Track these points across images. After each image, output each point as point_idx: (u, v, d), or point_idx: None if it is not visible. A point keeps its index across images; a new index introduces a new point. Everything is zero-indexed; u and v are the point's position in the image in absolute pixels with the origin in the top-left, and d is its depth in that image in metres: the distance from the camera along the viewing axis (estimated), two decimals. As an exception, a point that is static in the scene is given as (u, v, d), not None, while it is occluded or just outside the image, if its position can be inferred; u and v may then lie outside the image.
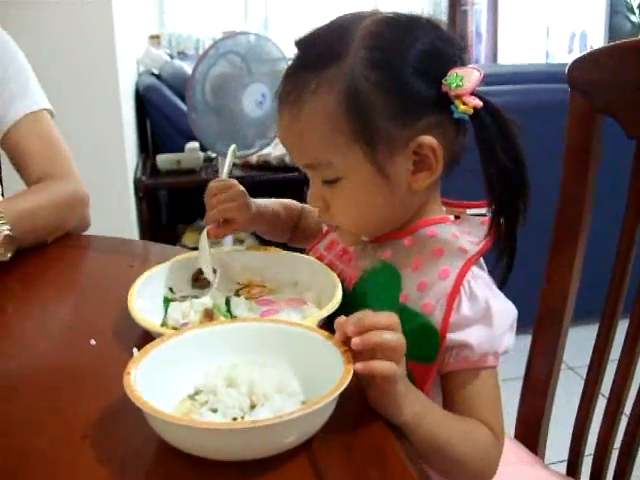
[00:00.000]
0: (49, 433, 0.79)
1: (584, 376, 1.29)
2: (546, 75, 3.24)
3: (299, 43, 0.99)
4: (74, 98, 3.05)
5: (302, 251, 1.21)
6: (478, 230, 1.00)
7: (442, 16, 7.56)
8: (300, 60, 0.98)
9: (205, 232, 1.12)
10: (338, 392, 0.70)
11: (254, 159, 3.90)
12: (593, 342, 1.26)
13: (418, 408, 0.83)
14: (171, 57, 5.76)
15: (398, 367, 0.78)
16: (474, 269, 0.96)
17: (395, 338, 0.78)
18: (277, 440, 0.69)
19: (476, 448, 0.92)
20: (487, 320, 0.93)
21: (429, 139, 0.93)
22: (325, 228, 1.19)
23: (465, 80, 0.91)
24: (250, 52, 3.18)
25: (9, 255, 1.29)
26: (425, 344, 0.93)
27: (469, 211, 1.05)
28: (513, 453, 1.34)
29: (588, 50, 1.21)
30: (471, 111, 0.91)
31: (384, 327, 0.77)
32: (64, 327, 1.11)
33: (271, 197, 1.28)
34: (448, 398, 0.96)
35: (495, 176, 0.92)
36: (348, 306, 0.94)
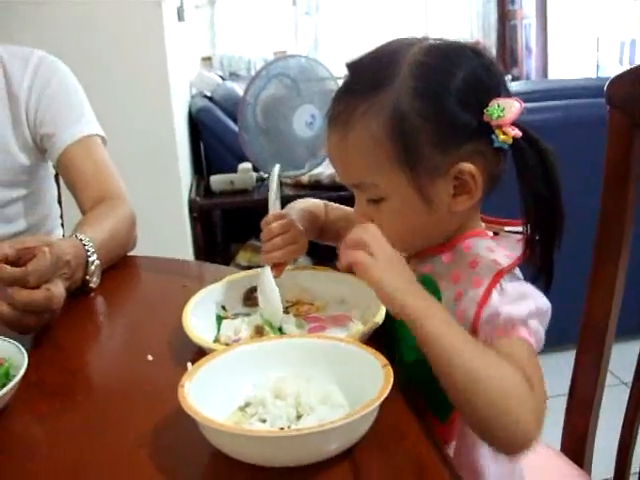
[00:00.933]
0: (107, 444, 0.85)
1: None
2: (595, 89, 3.24)
3: (350, 66, 1.04)
4: (129, 121, 3.13)
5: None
6: (514, 247, 1.03)
7: (491, 31, 7.56)
8: (350, 83, 1.03)
9: (269, 270, 1.14)
10: (378, 403, 0.74)
11: (305, 179, 3.94)
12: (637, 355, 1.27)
13: (423, 304, 0.88)
14: (223, 79, 5.85)
15: (371, 257, 0.89)
16: (506, 277, 0.98)
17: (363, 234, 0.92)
18: (321, 447, 0.73)
19: (502, 379, 0.86)
20: (516, 299, 0.95)
21: (469, 166, 0.97)
22: None
23: (506, 111, 0.95)
24: (300, 74, 3.22)
25: (97, 285, 1.36)
26: None
27: (506, 228, 1.08)
28: (559, 467, 1.35)
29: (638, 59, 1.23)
30: (510, 141, 0.95)
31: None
32: (122, 344, 1.17)
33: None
34: None
35: (531, 203, 0.96)
36: (391, 319, 0.98)
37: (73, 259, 1.25)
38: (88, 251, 1.33)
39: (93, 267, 1.33)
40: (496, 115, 0.95)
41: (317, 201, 1.34)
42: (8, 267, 1.12)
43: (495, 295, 0.96)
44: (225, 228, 4.63)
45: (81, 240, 1.33)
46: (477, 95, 0.97)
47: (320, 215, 1.31)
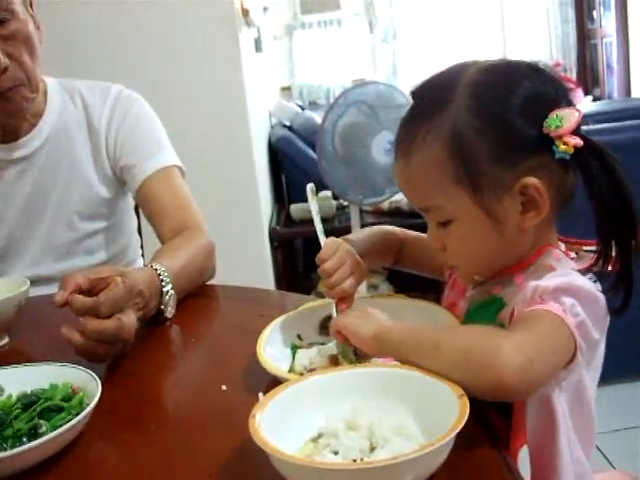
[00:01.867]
0: (178, 473, 0.85)
1: None
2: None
3: (413, 93, 1.06)
4: (209, 153, 3.18)
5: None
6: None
7: (571, 51, 7.46)
8: (413, 109, 1.04)
9: (334, 308, 1.13)
10: (452, 435, 0.72)
11: (386, 205, 3.93)
12: None
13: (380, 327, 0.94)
14: (302, 108, 5.91)
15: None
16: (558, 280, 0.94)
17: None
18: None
19: (471, 332, 0.90)
20: (551, 276, 0.94)
21: (532, 180, 0.96)
22: (447, 273, 1.22)
23: (565, 120, 0.94)
24: (377, 100, 3.23)
25: (172, 314, 1.37)
26: None
27: (585, 248, 1.06)
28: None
29: None
30: (571, 150, 0.94)
31: None
32: (196, 374, 1.17)
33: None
34: None
35: (601, 212, 0.94)
36: None
37: (146, 289, 1.26)
38: (163, 281, 1.34)
39: (167, 297, 1.34)
40: (555, 125, 0.94)
41: (394, 229, 1.32)
42: (81, 297, 1.14)
43: (531, 283, 0.93)
44: (306, 257, 4.64)
45: (156, 270, 1.35)
46: (536, 108, 0.96)
47: (395, 241, 1.30)
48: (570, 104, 0.99)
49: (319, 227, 1.21)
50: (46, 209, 1.72)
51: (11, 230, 1.72)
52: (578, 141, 0.94)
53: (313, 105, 7.53)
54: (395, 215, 3.99)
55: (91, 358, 1.13)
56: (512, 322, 0.93)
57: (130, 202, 1.92)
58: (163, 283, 1.34)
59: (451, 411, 0.76)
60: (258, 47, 4.18)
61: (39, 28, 1.64)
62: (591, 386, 1.00)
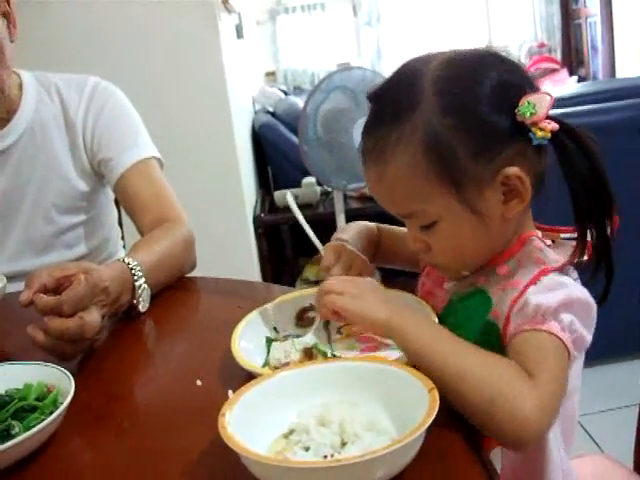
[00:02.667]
0: (151, 469, 0.85)
1: None
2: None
3: (371, 97, 1.03)
4: (189, 140, 3.17)
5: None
6: (568, 253, 1.00)
7: (555, 32, 7.45)
8: (376, 114, 1.01)
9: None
10: (422, 430, 0.72)
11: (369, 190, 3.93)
12: None
13: (402, 315, 0.94)
14: (286, 93, 5.89)
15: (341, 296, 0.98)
16: (551, 274, 0.96)
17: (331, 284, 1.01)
18: (365, 477, 0.71)
19: (495, 372, 0.86)
20: (550, 289, 0.94)
21: (514, 169, 0.95)
22: None
23: (538, 106, 0.93)
24: (359, 85, 3.22)
25: (146, 308, 1.37)
26: (499, 351, 0.93)
27: (562, 236, 1.07)
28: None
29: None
30: (549, 135, 0.94)
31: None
32: (172, 369, 1.16)
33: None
34: None
35: (580, 192, 0.95)
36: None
37: (113, 285, 1.25)
38: (135, 275, 1.33)
39: (140, 291, 1.34)
40: (529, 113, 0.93)
41: (369, 224, 1.31)
42: (44, 296, 1.14)
43: (531, 288, 0.95)
44: (293, 243, 4.64)
45: (128, 264, 1.34)
46: (505, 97, 0.96)
47: (374, 236, 1.29)
48: (535, 89, 0.98)
49: (311, 234, 1.20)
50: (23, 203, 1.71)
51: None
52: (554, 125, 0.94)
53: (298, 90, 7.49)
54: (379, 200, 3.98)
55: (56, 357, 1.13)
56: (512, 341, 0.92)
57: (110, 195, 1.91)
58: (135, 277, 1.33)
59: (422, 404, 0.76)
60: (239, 33, 4.15)
61: (14, 25, 1.61)
62: (576, 376, 1.01)
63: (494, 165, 0.95)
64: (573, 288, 0.95)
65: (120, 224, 2.04)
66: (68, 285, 1.16)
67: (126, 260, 1.35)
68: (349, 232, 1.25)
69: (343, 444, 0.78)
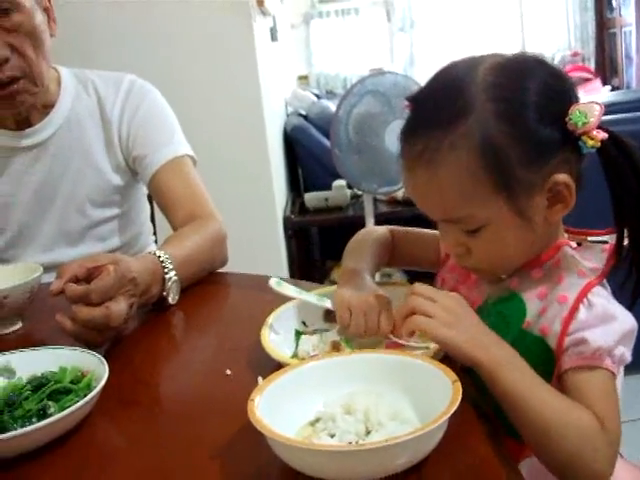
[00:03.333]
0: (181, 453, 0.88)
1: None
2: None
3: (415, 100, 1.03)
4: (222, 141, 3.20)
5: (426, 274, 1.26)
6: (598, 257, 1.03)
7: (589, 40, 7.41)
8: (421, 119, 1.01)
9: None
10: (444, 419, 0.74)
11: (400, 194, 3.94)
12: None
13: (494, 353, 0.92)
14: (319, 97, 5.91)
15: (431, 319, 0.94)
16: (593, 290, 0.97)
17: (424, 303, 0.97)
18: (388, 462, 0.73)
19: (574, 425, 0.89)
20: (603, 321, 0.95)
21: (564, 177, 0.97)
22: (444, 254, 1.23)
23: (589, 116, 0.94)
24: (391, 89, 3.24)
25: (176, 300, 1.41)
26: (541, 365, 0.95)
27: (590, 239, 1.08)
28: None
29: None
30: (599, 145, 0.95)
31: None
32: (202, 358, 1.20)
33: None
34: None
35: (622, 201, 0.97)
36: None
37: (141, 276, 1.28)
38: (165, 268, 1.37)
39: (170, 283, 1.37)
40: (581, 122, 0.94)
41: (381, 231, 1.32)
42: (74, 285, 1.18)
43: (582, 311, 0.96)
44: (322, 245, 4.66)
45: (159, 257, 1.38)
46: (555, 105, 0.97)
47: (388, 243, 1.30)
48: (577, 98, 0.99)
49: (312, 299, 1.20)
50: (58, 196, 1.75)
51: (23, 216, 1.74)
52: (604, 134, 0.95)
53: (330, 94, 7.51)
54: (410, 204, 3.96)
55: (84, 343, 1.17)
56: (572, 377, 0.94)
57: (143, 190, 1.94)
58: (166, 270, 1.37)
59: (446, 396, 0.78)
60: (274, 36, 4.19)
61: (53, 21, 1.67)
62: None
63: (544, 171, 0.96)
64: (622, 318, 0.96)
65: (152, 220, 2.08)
66: (98, 275, 1.20)
67: (157, 253, 1.39)
68: (359, 254, 1.25)
69: (367, 432, 0.80)
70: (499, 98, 0.95)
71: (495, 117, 0.94)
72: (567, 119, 0.95)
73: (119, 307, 1.20)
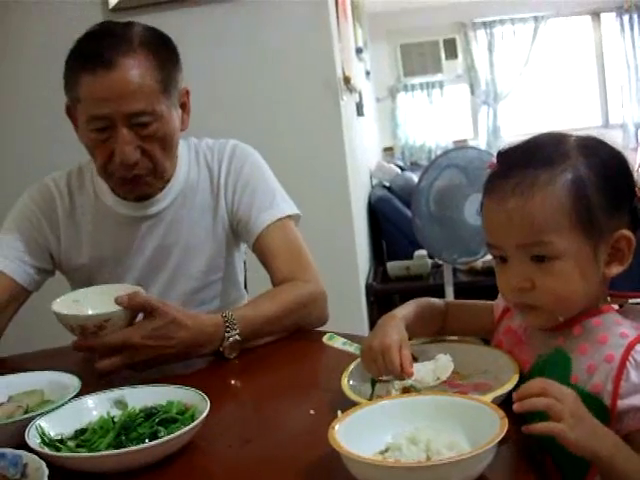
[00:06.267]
0: (271, 476, 1.05)
1: None
2: None
3: (506, 153, 1.17)
4: (310, 212, 3.28)
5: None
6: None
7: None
8: (517, 161, 1.14)
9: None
10: (491, 445, 0.88)
11: (479, 264, 4.04)
12: None
13: (606, 446, 0.99)
14: (402, 169, 6.08)
15: (563, 424, 0.96)
16: (637, 347, 1.07)
17: (556, 405, 0.98)
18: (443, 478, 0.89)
19: None
20: None
21: (628, 233, 1.11)
22: (497, 315, 1.33)
23: None
24: (472, 164, 3.37)
25: (234, 355, 1.56)
26: (596, 417, 1.03)
27: (631, 301, 1.19)
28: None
29: None
30: None
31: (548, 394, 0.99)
32: (290, 401, 1.38)
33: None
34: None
35: None
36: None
37: (186, 340, 1.47)
38: (228, 327, 1.53)
39: (229, 342, 1.53)
40: None
41: (433, 301, 1.42)
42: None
43: (632, 371, 1.05)
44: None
45: (225, 317, 1.54)
46: (625, 171, 1.14)
47: (438, 312, 1.40)
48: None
49: (351, 349, 1.36)
50: (168, 263, 1.86)
51: (137, 278, 1.84)
52: None
53: (414, 165, 7.59)
54: (489, 274, 4.05)
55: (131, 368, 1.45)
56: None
57: (242, 255, 2.04)
58: (227, 329, 1.53)
59: (495, 429, 0.92)
60: (360, 111, 4.37)
61: (187, 114, 1.80)
62: None
63: (614, 224, 1.10)
64: None
65: (245, 286, 2.16)
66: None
67: (224, 314, 1.55)
68: (407, 308, 1.35)
69: (428, 459, 0.95)
70: (590, 154, 1.11)
71: (586, 166, 1.10)
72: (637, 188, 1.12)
73: (112, 336, 1.43)
